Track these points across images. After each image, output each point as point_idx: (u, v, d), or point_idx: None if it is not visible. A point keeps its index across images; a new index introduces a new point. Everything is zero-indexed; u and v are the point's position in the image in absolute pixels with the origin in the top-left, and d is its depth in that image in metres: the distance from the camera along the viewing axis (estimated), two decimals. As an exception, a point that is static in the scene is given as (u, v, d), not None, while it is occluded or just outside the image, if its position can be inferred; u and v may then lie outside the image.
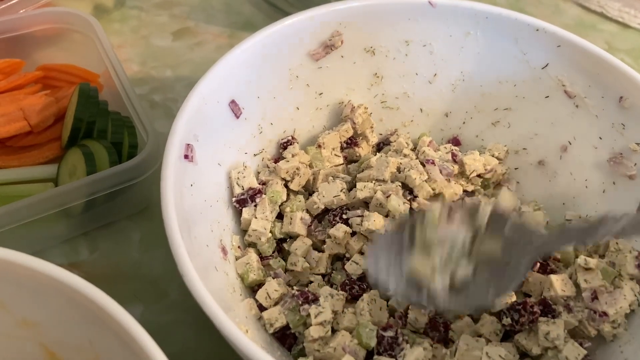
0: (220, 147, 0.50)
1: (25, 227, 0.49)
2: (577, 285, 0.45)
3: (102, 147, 0.54)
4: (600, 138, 0.51)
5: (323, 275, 0.49)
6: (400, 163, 0.52)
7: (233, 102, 0.51)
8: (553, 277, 0.45)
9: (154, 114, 0.66)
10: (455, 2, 0.55)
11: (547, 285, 0.45)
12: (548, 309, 0.44)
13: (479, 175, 0.55)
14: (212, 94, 0.49)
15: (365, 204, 0.51)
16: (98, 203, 0.52)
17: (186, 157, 0.45)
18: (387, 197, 0.49)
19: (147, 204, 0.57)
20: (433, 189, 0.51)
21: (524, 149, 0.57)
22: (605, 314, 0.43)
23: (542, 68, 0.54)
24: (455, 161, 0.54)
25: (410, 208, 0.49)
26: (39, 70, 0.62)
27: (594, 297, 0.44)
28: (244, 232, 0.51)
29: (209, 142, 0.49)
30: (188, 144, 0.46)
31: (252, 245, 0.50)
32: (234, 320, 0.39)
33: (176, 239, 0.39)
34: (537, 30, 0.53)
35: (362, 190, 0.50)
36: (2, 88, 0.58)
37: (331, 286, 0.48)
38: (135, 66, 0.71)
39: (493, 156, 0.56)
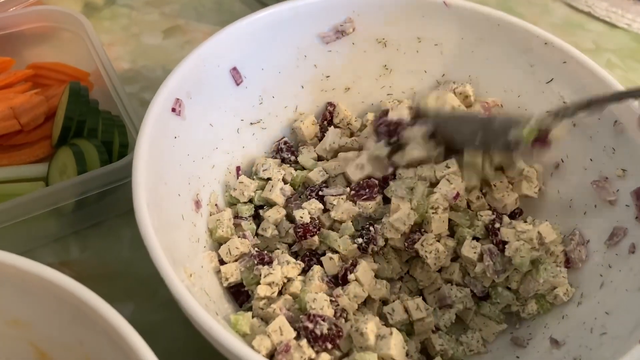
0: (215, 109, 0.52)
1: (16, 226, 0.49)
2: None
3: (92, 146, 0.54)
4: (591, 160, 0.51)
5: (290, 245, 0.51)
6: None
7: (235, 69, 0.53)
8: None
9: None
10: (469, 5, 0.55)
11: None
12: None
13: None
14: (213, 57, 0.51)
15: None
16: (89, 202, 0.53)
17: (173, 110, 0.47)
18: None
19: (137, 203, 0.57)
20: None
21: None
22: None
23: (547, 82, 0.54)
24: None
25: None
26: (29, 68, 0.62)
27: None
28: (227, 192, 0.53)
29: (202, 101, 0.50)
30: (178, 99, 0.47)
31: (232, 204, 0.53)
32: (183, 264, 0.42)
33: (139, 173, 0.42)
34: (546, 43, 0.53)
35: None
36: (-8, 86, 0.59)
37: (296, 257, 0.49)
38: (125, 64, 0.71)
39: None
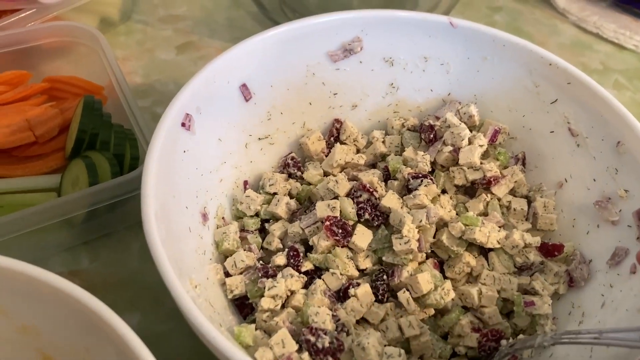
0: (224, 125, 0.53)
1: (28, 236, 0.50)
2: None
3: (104, 158, 0.55)
4: (594, 180, 0.51)
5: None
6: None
7: (244, 85, 0.54)
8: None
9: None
10: (475, 25, 0.56)
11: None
12: None
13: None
14: (223, 74, 0.52)
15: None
16: (99, 213, 0.54)
17: (183, 124, 0.48)
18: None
19: (147, 215, 0.58)
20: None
21: None
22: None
23: (551, 103, 0.55)
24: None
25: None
26: (45, 82, 0.64)
27: None
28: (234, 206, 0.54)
29: (212, 117, 0.52)
30: (188, 114, 0.49)
31: (239, 218, 0.53)
32: (188, 275, 0.43)
33: (148, 186, 0.43)
34: (550, 64, 0.54)
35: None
36: (8, 99, 0.60)
37: (299, 271, 0.50)
38: (139, 79, 0.73)
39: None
